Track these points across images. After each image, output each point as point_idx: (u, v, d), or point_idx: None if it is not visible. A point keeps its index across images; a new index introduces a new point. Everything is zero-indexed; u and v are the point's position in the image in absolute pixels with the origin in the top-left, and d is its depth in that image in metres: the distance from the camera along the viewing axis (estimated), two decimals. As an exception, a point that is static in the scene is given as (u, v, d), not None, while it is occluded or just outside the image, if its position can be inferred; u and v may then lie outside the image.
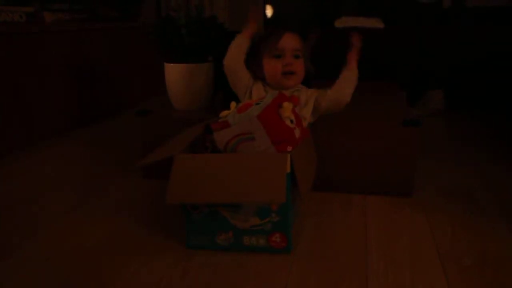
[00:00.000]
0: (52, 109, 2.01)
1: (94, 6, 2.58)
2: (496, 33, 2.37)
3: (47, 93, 1.98)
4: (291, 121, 1.03)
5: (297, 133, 1.04)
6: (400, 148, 1.31)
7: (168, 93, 1.57)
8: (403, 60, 2.43)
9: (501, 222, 1.17)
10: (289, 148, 1.01)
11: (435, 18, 2.73)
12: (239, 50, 1.28)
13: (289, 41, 1.25)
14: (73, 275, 0.96)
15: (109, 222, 1.21)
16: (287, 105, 1.02)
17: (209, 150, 1.12)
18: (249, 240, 1.03)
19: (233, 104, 1.11)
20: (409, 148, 1.31)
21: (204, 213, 1.02)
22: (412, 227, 1.16)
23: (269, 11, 3.41)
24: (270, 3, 3.40)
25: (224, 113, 1.08)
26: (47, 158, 1.76)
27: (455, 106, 2.39)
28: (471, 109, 2.40)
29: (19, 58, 1.81)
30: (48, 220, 1.22)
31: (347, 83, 1.28)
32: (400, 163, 1.32)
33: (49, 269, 0.98)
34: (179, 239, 1.09)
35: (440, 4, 2.86)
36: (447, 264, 0.98)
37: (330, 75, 2.51)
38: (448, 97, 2.35)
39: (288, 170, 0.96)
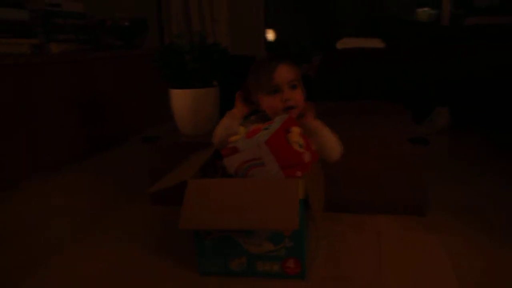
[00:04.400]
0: (59, 139, 2.02)
1: (98, 36, 2.62)
2: (499, 50, 2.39)
3: (54, 123, 1.99)
4: (300, 146, 1.03)
5: (306, 157, 1.03)
6: (409, 167, 1.31)
7: (175, 119, 1.58)
8: (407, 79, 2.45)
9: (515, 240, 1.16)
10: (299, 174, 1.00)
11: (435, 36, 2.76)
12: (227, 133, 1.19)
13: (283, 74, 1.16)
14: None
15: (118, 250, 1.20)
16: (295, 130, 1.02)
17: (219, 176, 1.12)
18: (262, 266, 1.01)
19: (242, 129, 1.11)
20: (418, 167, 1.30)
21: (217, 238, 1.01)
22: (425, 247, 1.15)
23: (271, 35, 3.46)
24: (272, 27, 3.45)
25: (233, 138, 1.08)
26: (54, 187, 1.76)
27: (461, 123, 2.38)
28: (477, 127, 2.39)
29: (26, 89, 1.83)
30: (57, 249, 1.21)
31: (328, 149, 1.18)
32: (409, 182, 1.32)
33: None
34: (190, 265, 1.08)
35: (439, 22, 2.90)
36: (465, 282, 0.97)
37: (333, 96, 2.53)
38: (454, 114, 2.35)
39: (301, 196, 0.96)
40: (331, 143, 1.18)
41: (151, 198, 1.51)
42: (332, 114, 1.32)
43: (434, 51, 2.51)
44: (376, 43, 2.72)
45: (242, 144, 1.03)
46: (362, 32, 3.05)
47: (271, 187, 0.98)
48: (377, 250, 1.14)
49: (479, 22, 2.72)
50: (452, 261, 1.06)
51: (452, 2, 3.09)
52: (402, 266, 1.06)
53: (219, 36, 3.18)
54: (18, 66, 1.80)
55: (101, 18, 2.64)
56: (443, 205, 1.40)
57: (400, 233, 1.23)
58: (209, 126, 1.56)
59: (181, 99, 1.52)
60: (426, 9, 3.26)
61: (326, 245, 1.18)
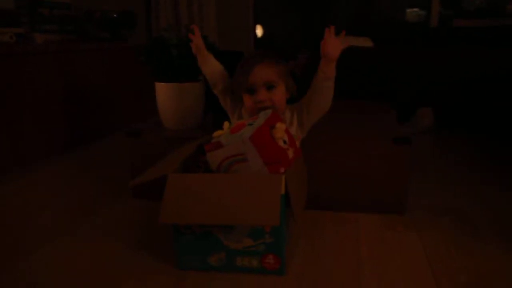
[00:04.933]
0: (42, 131, 1.99)
1: (85, 28, 2.59)
2: (485, 53, 2.41)
3: (37, 115, 1.96)
4: (284, 142, 1.03)
5: (290, 153, 1.04)
6: (392, 166, 1.32)
7: (159, 113, 1.56)
8: (393, 79, 2.46)
9: (493, 241, 1.18)
10: (282, 170, 1.00)
11: (423, 37, 2.78)
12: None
13: (259, 75, 1.16)
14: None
15: (99, 244, 1.19)
16: (280, 126, 1.02)
17: (201, 170, 1.12)
18: (241, 261, 1.01)
19: (226, 124, 1.10)
20: (400, 166, 1.32)
21: (197, 233, 1.01)
22: (405, 246, 1.16)
23: (259, 31, 3.45)
24: (260, 23, 3.44)
25: (217, 133, 1.08)
26: (36, 180, 1.73)
27: (444, 124, 2.41)
28: (460, 128, 2.42)
29: (9, 79, 1.80)
30: (38, 243, 1.20)
31: (326, 93, 1.20)
32: (392, 181, 1.33)
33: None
34: (170, 260, 1.07)
35: (427, 23, 2.92)
36: (441, 282, 0.98)
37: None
38: (438, 115, 2.38)
39: (283, 191, 0.96)
40: (331, 95, 1.20)
41: (133, 192, 1.50)
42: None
43: (420, 52, 2.53)
44: (365, 42, 2.73)
45: (226, 140, 1.03)
46: (352, 30, 3.06)
47: (253, 183, 0.98)
48: (356, 248, 1.14)
49: (466, 24, 2.75)
50: (430, 260, 1.08)
51: (441, 4, 3.11)
52: (381, 264, 1.07)
53: (207, 31, 3.17)
54: (0, 55, 1.77)
55: (88, 9, 2.61)
56: (424, 205, 1.41)
57: (380, 232, 1.24)
58: (193, 121, 1.55)
59: (165, 93, 1.51)
60: (415, 9, 3.28)
61: (306, 242, 1.18)
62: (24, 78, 1.88)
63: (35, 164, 1.90)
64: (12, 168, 1.80)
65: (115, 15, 2.63)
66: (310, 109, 1.21)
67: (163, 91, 1.52)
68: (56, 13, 2.33)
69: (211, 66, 1.31)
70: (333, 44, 1.15)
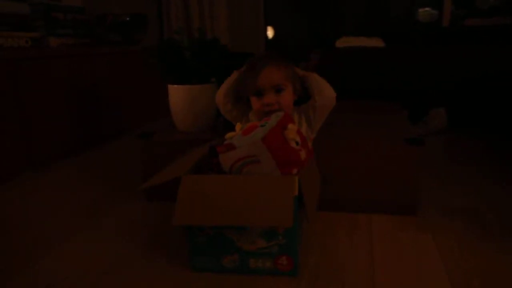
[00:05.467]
0: (56, 133, 2.02)
1: (98, 31, 2.62)
2: (497, 52, 2.39)
3: (52, 117, 1.99)
4: (297, 143, 1.03)
5: (302, 155, 1.04)
6: (404, 167, 1.31)
7: (172, 115, 1.58)
8: (404, 79, 2.45)
9: (506, 241, 1.17)
10: (294, 171, 1.00)
11: (435, 37, 2.76)
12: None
13: (268, 77, 1.15)
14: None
15: (113, 246, 1.20)
16: (292, 127, 1.02)
17: (214, 172, 1.12)
18: (255, 263, 1.02)
19: (238, 126, 1.11)
20: (412, 167, 1.31)
21: (210, 235, 1.02)
22: (419, 247, 1.15)
23: (270, 33, 3.45)
24: (271, 25, 3.45)
25: (230, 134, 1.09)
26: (50, 182, 1.76)
27: (457, 124, 2.39)
28: (473, 128, 2.40)
29: (24, 82, 1.83)
30: (51, 245, 1.22)
31: (322, 86, 1.21)
32: (404, 182, 1.32)
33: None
34: (184, 262, 1.08)
35: (440, 23, 2.90)
36: (456, 284, 0.97)
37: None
38: (450, 115, 2.36)
39: (296, 193, 0.96)
40: (324, 83, 1.21)
41: (147, 194, 1.51)
42: (329, 112, 1.33)
43: (432, 52, 2.51)
44: (376, 43, 2.72)
45: (238, 141, 1.03)
46: (362, 31, 3.05)
47: (266, 184, 0.98)
48: (369, 250, 1.14)
49: (478, 24, 2.72)
50: (444, 261, 1.07)
51: (454, 3, 3.08)
52: (394, 265, 1.06)
53: (218, 33, 3.18)
54: (17, 60, 1.80)
55: (101, 13, 2.64)
56: (437, 206, 1.41)
57: (393, 233, 1.23)
58: (206, 123, 1.56)
59: (178, 95, 1.53)
60: (427, 9, 3.26)
61: (319, 243, 1.18)
62: (39, 81, 1.91)
63: (48, 166, 1.92)
64: (25, 170, 1.83)
65: (127, 19, 2.65)
66: (315, 106, 1.20)
67: (175, 93, 1.53)
68: (69, 17, 2.37)
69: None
70: None
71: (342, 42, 2.73)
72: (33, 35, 2.07)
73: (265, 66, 1.16)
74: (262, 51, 3.36)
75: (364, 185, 1.35)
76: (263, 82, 1.16)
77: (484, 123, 2.38)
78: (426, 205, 1.40)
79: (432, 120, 2.34)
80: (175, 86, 1.53)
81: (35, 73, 1.89)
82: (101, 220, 1.38)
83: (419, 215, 1.33)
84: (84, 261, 1.12)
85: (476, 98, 2.36)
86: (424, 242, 1.18)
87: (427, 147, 1.37)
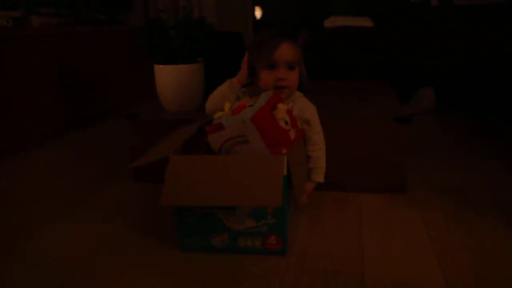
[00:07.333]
0: (41, 114, 1.99)
1: (81, 10, 2.56)
2: (485, 32, 2.39)
3: (36, 98, 1.96)
4: (286, 123, 1.02)
5: (292, 134, 1.03)
6: (393, 145, 1.32)
7: (159, 95, 1.56)
8: (393, 58, 2.44)
9: (493, 217, 1.18)
10: (284, 151, 1.00)
11: (424, 16, 2.76)
12: (223, 101, 1.17)
13: (285, 53, 1.16)
14: (66, 282, 0.95)
15: (102, 227, 1.19)
16: (281, 107, 1.02)
17: (203, 152, 1.11)
18: (244, 242, 1.02)
19: (227, 105, 1.10)
20: (401, 145, 1.31)
21: (198, 215, 1.01)
22: (407, 224, 1.16)
23: (258, 13, 3.41)
24: (259, 5, 3.41)
25: (218, 114, 1.07)
26: (37, 163, 1.74)
27: (446, 104, 2.40)
28: (461, 107, 2.41)
29: (6, 62, 1.79)
30: (40, 225, 1.20)
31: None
32: (392, 161, 1.33)
33: (41, 276, 0.97)
34: (173, 242, 1.08)
35: (428, 2, 2.88)
36: (442, 258, 0.99)
37: (319, 75, 2.53)
38: (439, 95, 2.37)
39: (285, 172, 0.96)
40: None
41: (134, 175, 1.50)
42: (317, 93, 1.32)
43: (421, 31, 2.51)
44: (364, 22, 2.71)
45: (227, 121, 1.02)
46: (351, 11, 3.03)
47: (255, 164, 0.97)
48: (358, 227, 1.15)
49: (468, 3, 2.71)
50: (432, 238, 1.08)
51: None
52: (382, 242, 1.07)
53: (205, 12, 3.13)
54: (1, 40, 1.75)
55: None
56: (425, 184, 1.42)
57: (382, 211, 1.24)
58: (193, 103, 1.54)
59: (165, 75, 1.50)
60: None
61: (308, 222, 1.19)
62: (21, 62, 1.87)
63: (33, 147, 1.89)
64: (9, 152, 1.80)
65: (111, -3, 2.60)
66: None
67: (162, 73, 1.51)
68: (52, -5, 2.31)
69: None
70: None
71: (331, 22, 2.71)
72: (14, 14, 2.01)
73: (283, 41, 1.16)
74: (250, 31, 3.33)
75: (353, 164, 1.35)
76: (280, 56, 1.15)
77: (472, 102, 2.39)
78: (415, 183, 1.41)
79: (420, 100, 2.35)
80: (162, 66, 1.50)
81: (17, 53, 1.84)
82: (88, 201, 1.36)
83: (408, 194, 1.34)
84: (72, 242, 1.11)
85: (465, 77, 2.37)
86: (413, 219, 1.19)
87: (416, 126, 1.37)
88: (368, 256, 1.01)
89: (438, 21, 2.71)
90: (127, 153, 1.49)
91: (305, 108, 1.20)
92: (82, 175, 1.59)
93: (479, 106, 2.37)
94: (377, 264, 0.98)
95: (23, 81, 1.88)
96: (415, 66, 2.43)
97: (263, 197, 0.93)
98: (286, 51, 1.16)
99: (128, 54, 2.65)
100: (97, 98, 2.39)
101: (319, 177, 1.22)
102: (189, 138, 1.12)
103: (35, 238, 1.14)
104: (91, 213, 1.28)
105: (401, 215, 1.22)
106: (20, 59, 1.86)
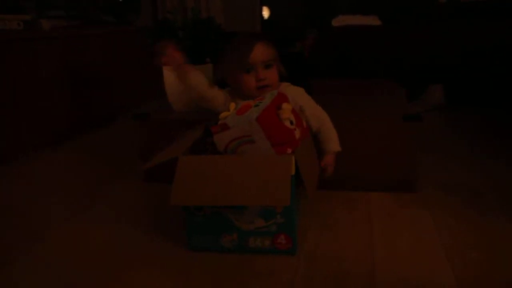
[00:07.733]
0: (51, 115, 2.01)
1: (89, 12, 2.58)
2: (493, 27, 2.37)
3: (46, 99, 1.97)
4: (291, 122, 1.02)
5: (297, 134, 1.03)
6: (402, 144, 1.31)
7: (167, 96, 1.56)
8: (401, 56, 2.43)
9: (503, 216, 1.17)
10: (289, 150, 1.00)
11: (432, 13, 2.73)
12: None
13: (260, 53, 1.17)
14: (77, 281, 0.96)
15: (112, 226, 1.20)
16: (286, 106, 1.01)
17: (208, 152, 1.12)
18: (254, 242, 1.02)
19: (232, 105, 1.10)
20: (410, 144, 1.31)
21: (208, 214, 1.01)
22: (417, 223, 1.16)
23: (265, 12, 3.41)
24: (267, 4, 3.40)
25: (224, 114, 1.07)
26: (47, 164, 1.75)
27: (455, 101, 2.38)
28: (471, 105, 2.39)
29: (17, 65, 1.81)
30: (51, 226, 1.22)
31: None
32: (401, 159, 1.32)
33: (53, 275, 0.98)
34: (182, 242, 1.08)
35: (436, -1, 2.86)
36: (452, 257, 0.98)
37: (327, 74, 2.51)
38: (448, 92, 2.35)
39: (293, 172, 0.96)
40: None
41: (145, 175, 1.51)
42: (326, 92, 1.32)
43: (429, 28, 2.49)
44: (372, 21, 2.69)
45: (232, 121, 1.02)
46: (359, 9, 3.01)
47: (263, 164, 0.98)
48: (368, 227, 1.15)
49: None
50: (442, 236, 1.07)
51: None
52: (393, 241, 1.07)
53: (213, 12, 3.13)
54: (9, 42, 1.77)
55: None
56: (435, 182, 1.41)
57: (392, 210, 1.24)
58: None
59: (172, 76, 1.50)
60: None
61: (318, 221, 1.18)
62: (32, 64, 1.89)
63: (44, 149, 1.91)
64: (20, 153, 1.82)
65: (119, -1, 2.62)
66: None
67: (170, 74, 1.51)
68: (61, -1, 2.33)
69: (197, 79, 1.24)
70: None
71: (339, 21, 2.70)
72: (24, 18, 2.03)
73: (256, 43, 1.18)
74: (259, 31, 3.32)
75: (363, 163, 1.34)
76: (255, 58, 1.17)
77: (481, 99, 2.37)
78: (425, 181, 1.40)
79: (429, 97, 2.33)
80: (170, 67, 1.50)
81: (28, 56, 1.86)
82: (99, 201, 1.37)
83: (417, 192, 1.33)
84: (83, 242, 1.12)
85: (474, 74, 2.34)
86: (422, 218, 1.18)
87: (425, 124, 1.36)
88: (378, 256, 1.01)
89: (446, 17, 2.68)
90: (134, 153, 1.49)
91: (295, 96, 1.20)
92: (90, 175, 1.60)
93: (488, 103, 2.35)
94: (387, 263, 0.98)
95: (33, 82, 1.89)
96: (424, 63, 2.41)
97: (271, 197, 0.93)
98: (261, 51, 1.18)
99: (136, 54, 2.66)
100: (105, 99, 2.40)
101: (335, 146, 1.21)
102: (197, 139, 1.13)
103: (46, 238, 1.15)
104: (100, 213, 1.29)
105: (410, 214, 1.21)
106: (30, 61, 1.88)
